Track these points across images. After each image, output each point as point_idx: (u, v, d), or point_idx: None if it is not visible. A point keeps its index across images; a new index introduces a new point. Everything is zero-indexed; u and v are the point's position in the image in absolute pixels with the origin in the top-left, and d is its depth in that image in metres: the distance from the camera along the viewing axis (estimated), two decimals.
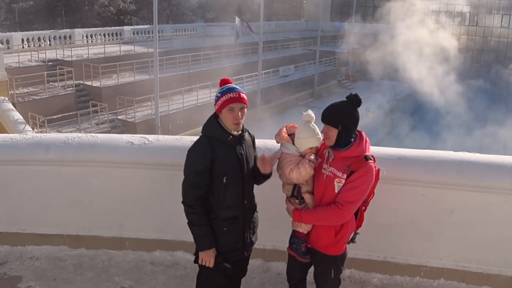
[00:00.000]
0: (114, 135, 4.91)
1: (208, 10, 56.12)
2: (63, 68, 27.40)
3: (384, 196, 4.06)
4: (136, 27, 43.74)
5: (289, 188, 3.51)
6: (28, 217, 4.83)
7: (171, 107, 28.33)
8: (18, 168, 4.67)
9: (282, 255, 4.45)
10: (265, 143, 4.26)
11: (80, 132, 21.68)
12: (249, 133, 3.49)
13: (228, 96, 3.23)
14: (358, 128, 3.38)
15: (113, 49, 33.10)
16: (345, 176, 3.28)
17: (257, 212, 3.59)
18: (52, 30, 36.53)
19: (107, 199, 4.68)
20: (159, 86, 25.79)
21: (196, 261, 3.37)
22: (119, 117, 26.59)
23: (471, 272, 4.38)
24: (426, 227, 4.29)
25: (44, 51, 29.31)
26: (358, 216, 3.50)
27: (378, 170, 3.38)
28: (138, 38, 38.98)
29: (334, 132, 3.27)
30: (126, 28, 41.56)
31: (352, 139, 3.31)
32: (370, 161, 3.28)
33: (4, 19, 49.67)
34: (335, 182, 3.31)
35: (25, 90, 25.27)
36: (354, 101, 3.27)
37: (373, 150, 3.56)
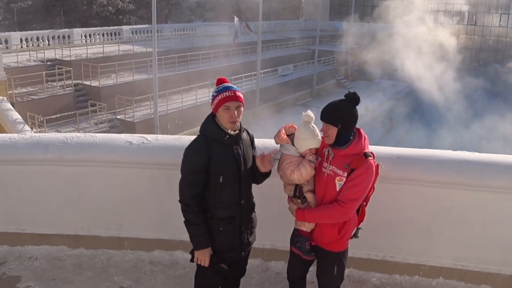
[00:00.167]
0: (112, 134, 4.90)
1: (207, 10, 56.11)
2: (62, 68, 27.39)
3: (384, 195, 4.07)
4: (134, 26, 43.70)
5: (290, 188, 3.52)
6: (27, 217, 4.82)
7: (170, 107, 28.32)
8: (17, 168, 4.66)
9: (281, 254, 4.46)
10: (264, 143, 4.26)
11: (79, 132, 21.66)
12: (247, 132, 3.49)
13: (224, 95, 3.23)
14: (357, 127, 3.40)
15: (112, 48, 33.07)
16: (345, 174, 3.30)
17: (255, 212, 3.59)
18: (50, 30, 36.50)
19: (106, 198, 4.67)
20: (158, 85, 25.77)
21: (192, 259, 3.38)
22: (118, 117, 26.58)
23: (470, 271, 4.38)
24: (425, 226, 4.30)
25: (42, 51, 29.29)
26: (360, 211, 3.52)
27: (377, 165, 3.40)
28: (136, 37, 38.91)
29: (333, 131, 3.29)
30: (124, 27, 41.52)
31: (351, 137, 3.33)
32: (370, 158, 3.31)
33: (3, 18, 49.63)
34: (336, 181, 3.33)
35: (24, 90, 25.25)
36: (352, 100, 3.29)
37: (372, 149, 3.56)
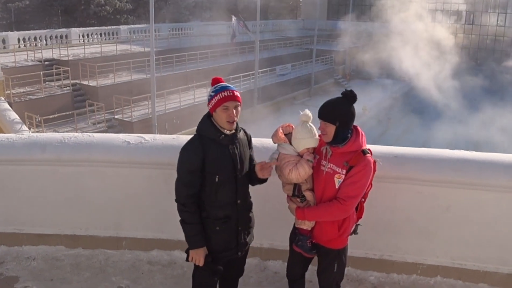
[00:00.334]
0: (110, 134, 4.90)
1: (204, 9, 56.08)
2: (60, 68, 27.36)
3: (381, 194, 4.08)
4: (132, 26, 43.64)
5: (289, 187, 3.52)
6: (25, 217, 4.81)
7: (168, 106, 28.31)
8: (15, 168, 4.66)
9: (279, 253, 4.46)
10: (262, 142, 4.27)
11: (76, 132, 21.63)
12: (245, 132, 3.48)
13: (223, 94, 3.23)
14: (354, 124, 3.42)
15: (110, 48, 33.02)
16: (344, 171, 3.32)
17: (252, 212, 3.58)
18: (48, 30, 36.43)
19: (104, 198, 4.67)
20: (155, 85, 25.75)
21: (187, 259, 3.38)
22: (115, 117, 26.56)
23: (467, 269, 4.39)
24: (422, 225, 4.30)
25: (40, 51, 29.22)
26: (359, 208, 3.54)
27: (375, 162, 3.41)
28: (134, 37, 38.87)
29: (331, 129, 3.31)
30: (122, 27, 41.47)
31: (349, 135, 3.35)
32: (368, 154, 3.33)
33: (0, 18, 49.52)
34: (335, 178, 3.34)
35: (22, 90, 25.24)
36: (349, 97, 3.32)
37: (370, 148, 3.57)
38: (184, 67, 33.30)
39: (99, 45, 32.28)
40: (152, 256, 4.76)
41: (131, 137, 4.61)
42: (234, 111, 3.24)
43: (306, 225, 3.53)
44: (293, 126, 3.51)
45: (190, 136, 3.40)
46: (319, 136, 3.44)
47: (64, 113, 24.22)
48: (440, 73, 40.84)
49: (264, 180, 3.48)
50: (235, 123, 3.28)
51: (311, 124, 3.44)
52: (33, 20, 48.78)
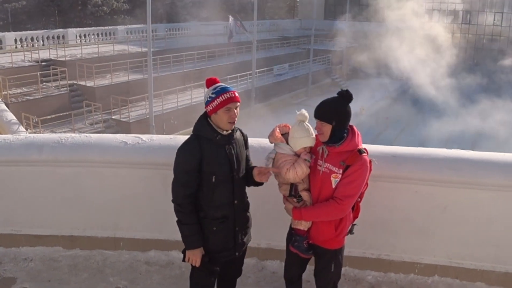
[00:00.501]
0: (107, 135, 4.89)
1: (201, 9, 56.07)
2: (57, 68, 27.32)
3: (378, 194, 4.09)
4: (129, 26, 43.58)
5: (286, 188, 3.52)
6: (22, 218, 4.81)
7: (165, 107, 28.31)
8: (12, 169, 4.65)
9: (277, 253, 4.46)
10: (259, 142, 4.27)
11: (74, 132, 21.60)
12: (241, 132, 3.49)
13: (225, 96, 3.23)
14: (350, 124, 3.43)
15: (107, 48, 33.00)
16: (341, 171, 3.32)
17: (249, 212, 3.59)
18: (45, 30, 36.38)
19: (101, 199, 4.66)
20: (153, 85, 25.74)
21: (183, 259, 3.38)
22: (113, 117, 26.54)
23: (464, 268, 4.40)
24: (419, 224, 4.31)
25: (37, 51, 29.21)
26: (355, 207, 3.55)
27: (370, 161, 3.41)
28: (131, 37, 38.85)
29: (328, 128, 3.31)
30: (119, 27, 41.42)
31: (345, 134, 3.36)
32: (364, 154, 3.34)
33: None
34: (331, 178, 3.35)
35: (19, 90, 25.19)
36: (345, 97, 3.33)
37: (367, 148, 3.57)
38: (182, 67, 33.28)
39: (96, 46, 32.22)
40: (150, 257, 4.76)
41: (129, 138, 4.60)
42: (236, 111, 3.26)
43: (303, 226, 3.53)
44: (290, 126, 3.51)
45: (187, 137, 3.41)
46: (316, 136, 3.45)
47: (61, 114, 24.19)
48: (437, 73, 40.94)
49: (260, 184, 3.48)
50: (235, 123, 3.29)
51: (308, 124, 3.45)
52: (30, 21, 48.64)
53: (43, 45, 32.57)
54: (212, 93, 3.26)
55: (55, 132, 20.98)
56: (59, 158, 4.53)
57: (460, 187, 4.14)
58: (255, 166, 3.49)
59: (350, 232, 3.59)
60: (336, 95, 3.36)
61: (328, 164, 3.36)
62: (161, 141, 4.54)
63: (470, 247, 4.33)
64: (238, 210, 3.42)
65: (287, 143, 3.46)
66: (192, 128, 3.35)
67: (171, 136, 4.77)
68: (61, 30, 36.78)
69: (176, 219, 3.31)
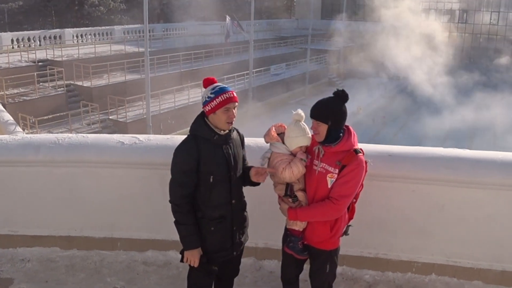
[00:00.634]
0: (104, 135, 4.89)
1: (199, 9, 56.04)
2: (54, 68, 27.27)
3: (375, 193, 4.09)
4: (126, 26, 43.54)
5: (281, 187, 3.51)
6: (19, 218, 4.80)
7: (162, 107, 28.29)
8: (8, 170, 4.64)
9: (274, 253, 4.46)
10: (256, 142, 4.27)
11: (71, 133, 21.56)
12: (238, 132, 3.49)
13: (224, 96, 3.23)
14: (352, 126, 3.44)
15: (104, 48, 32.93)
16: (337, 171, 3.31)
17: (246, 211, 3.59)
18: (42, 30, 36.29)
19: (98, 199, 4.66)
20: (150, 85, 25.71)
21: (181, 260, 3.38)
22: (110, 117, 26.51)
23: (462, 267, 4.41)
24: (417, 223, 4.32)
25: (34, 52, 29.12)
26: (350, 208, 3.54)
27: (366, 162, 3.41)
28: (128, 37, 38.78)
29: (324, 128, 3.31)
30: (116, 27, 41.38)
31: (341, 134, 3.36)
32: (360, 154, 3.33)
33: None
34: (327, 178, 3.34)
35: (15, 90, 25.14)
36: (341, 96, 3.33)
37: (364, 147, 3.58)
38: (179, 67, 33.27)
39: (93, 46, 32.18)
40: (147, 257, 4.76)
41: (126, 138, 4.60)
42: (233, 111, 3.26)
43: (298, 226, 3.51)
44: (286, 126, 3.51)
45: (184, 136, 3.40)
46: (312, 136, 3.45)
47: (58, 114, 24.17)
48: (434, 72, 41.03)
49: (257, 184, 3.48)
50: (233, 123, 3.30)
51: (304, 123, 3.45)
52: (26, 21, 48.52)
53: (40, 45, 32.50)
54: (211, 93, 3.25)
55: (52, 133, 20.95)
56: (56, 159, 4.53)
57: (457, 186, 4.15)
58: (252, 166, 3.50)
59: (345, 233, 3.58)
60: (332, 95, 3.36)
61: (324, 164, 3.36)
62: (158, 141, 4.53)
63: (467, 245, 4.34)
64: (236, 209, 3.42)
65: (283, 143, 3.46)
66: (189, 128, 3.35)
67: (168, 136, 4.76)
68: (58, 30, 36.69)
69: (174, 219, 3.30)
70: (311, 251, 3.57)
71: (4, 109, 21.63)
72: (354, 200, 3.52)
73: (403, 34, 41.42)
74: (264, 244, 4.60)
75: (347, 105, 3.36)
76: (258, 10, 52.57)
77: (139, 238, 4.78)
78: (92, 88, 27.41)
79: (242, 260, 3.74)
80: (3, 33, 32.95)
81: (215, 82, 3.32)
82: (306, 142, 3.45)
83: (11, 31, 36.53)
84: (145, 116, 26.28)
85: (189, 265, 3.39)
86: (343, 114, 3.34)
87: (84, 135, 4.71)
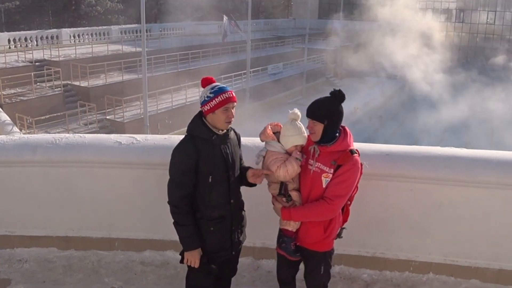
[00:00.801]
0: (101, 135, 4.88)
1: (196, 9, 56.00)
2: (51, 69, 27.19)
3: (373, 192, 4.10)
4: (123, 26, 43.46)
5: (275, 186, 3.50)
6: (16, 219, 4.78)
7: (160, 107, 28.25)
8: (5, 170, 4.62)
9: (272, 253, 4.44)
10: (253, 141, 4.27)
11: (68, 133, 21.53)
12: (234, 132, 3.49)
13: (224, 96, 3.23)
14: (349, 125, 3.42)
15: (101, 48, 32.87)
16: (332, 170, 3.30)
17: (244, 211, 3.59)
18: (39, 30, 36.20)
19: (96, 199, 4.65)
20: (147, 85, 25.68)
21: (181, 261, 3.37)
22: (107, 117, 26.47)
23: (459, 266, 4.42)
24: (415, 222, 4.32)
25: (31, 52, 29.07)
26: (344, 211, 3.53)
27: (361, 165, 3.41)
28: (126, 37, 38.75)
29: (320, 127, 3.30)
30: (113, 27, 41.29)
31: (337, 134, 3.36)
32: (356, 154, 3.32)
33: None
34: (322, 177, 3.33)
35: (12, 91, 25.07)
36: (338, 96, 3.32)
37: (361, 146, 3.59)
38: (176, 67, 33.22)
39: (90, 46, 32.11)
40: (145, 257, 4.75)
41: (123, 138, 4.59)
42: (232, 111, 3.26)
43: (291, 226, 3.50)
44: (282, 125, 3.51)
45: (182, 136, 3.39)
46: (307, 135, 3.44)
47: (55, 114, 24.09)
48: (430, 70, 41.12)
49: (253, 185, 3.48)
50: (231, 123, 3.29)
51: (300, 123, 3.45)
52: (23, 21, 48.40)
53: (37, 45, 32.41)
54: (210, 93, 3.25)
55: (49, 133, 20.90)
56: (53, 159, 4.52)
57: (455, 185, 4.15)
58: (249, 167, 3.49)
59: (339, 235, 3.56)
60: (328, 95, 3.36)
61: (319, 164, 3.34)
62: (156, 141, 4.53)
63: (465, 244, 4.34)
64: (235, 209, 3.42)
65: (279, 142, 3.46)
66: (186, 128, 3.34)
67: (166, 136, 4.76)
68: (55, 30, 36.59)
69: (173, 220, 3.29)
70: (305, 253, 3.55)
71: (1, 109, 21.60)
72: (349, 203, 3.51)
73: (400, 33, 41.48)
74: (261, 243, 4.60)
75: (344, 104, 3.35)
76: (255, 10, 52.59)
77: (137, 238, 4.77)
78: (89, 88, 27.37)
79: (240, 259, 3.74)
80: (0, 33, 32.88)
81: (214, 82, 3.32)
82: (301, 141, 3.44)
83: (8, 31, 36.42)
84: (142, 116, 26.23)
85: (188, 266, 3.38)
86: (339, 114, 3.33)
87: (82, 135, 4.70)
